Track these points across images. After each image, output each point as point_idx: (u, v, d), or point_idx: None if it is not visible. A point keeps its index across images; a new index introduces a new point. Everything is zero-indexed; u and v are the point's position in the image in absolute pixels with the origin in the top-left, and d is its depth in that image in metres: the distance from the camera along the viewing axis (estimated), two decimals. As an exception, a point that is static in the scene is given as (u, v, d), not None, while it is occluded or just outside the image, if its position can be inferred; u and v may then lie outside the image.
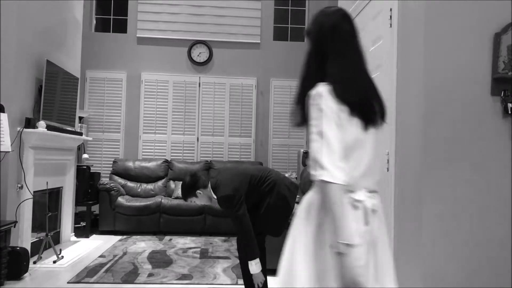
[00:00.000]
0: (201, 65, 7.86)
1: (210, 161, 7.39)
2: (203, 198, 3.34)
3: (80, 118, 6.94)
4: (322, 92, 1.55)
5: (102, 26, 8.04)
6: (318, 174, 1.49)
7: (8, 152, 4.03)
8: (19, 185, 4.44)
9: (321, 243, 1.56)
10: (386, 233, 1.69)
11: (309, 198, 1.64)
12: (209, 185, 3.30)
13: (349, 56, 1.66)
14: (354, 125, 1.56)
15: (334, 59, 1.63)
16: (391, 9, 2.60)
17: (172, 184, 7.08)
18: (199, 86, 7.83)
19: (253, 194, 3.21)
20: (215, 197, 3.27)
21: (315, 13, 1.76)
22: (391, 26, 2.60)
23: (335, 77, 1.59)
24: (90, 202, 6.47)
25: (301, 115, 1.64)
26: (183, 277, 4.31)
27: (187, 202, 6.47)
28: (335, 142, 1.50)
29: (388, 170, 2.58)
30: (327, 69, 1.62)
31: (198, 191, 3.30)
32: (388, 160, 2.58)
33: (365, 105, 1.59)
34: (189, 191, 3.32)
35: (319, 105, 1.54)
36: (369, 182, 1.62)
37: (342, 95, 1.54)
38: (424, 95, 2.23)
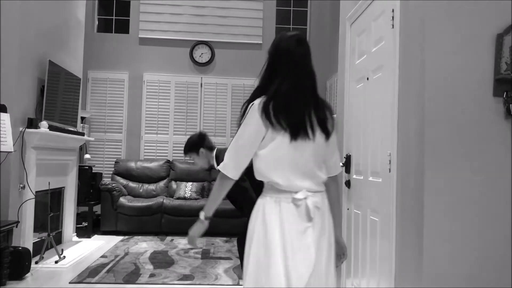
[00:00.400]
0: (203, 66, 7.87)
1: (212, 161, 7.39)
2: (203, 159, 3.41)
3: (82, 118, 6.96)
4: (255, 105, 1.83)
5: (104, 27, 8.05)
6: (220, 164, 1.88)
7: (11, 152, 4.04)
8: (21, 185, 4.45)
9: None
10: (331, 228, 1.92)
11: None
12: (214, 152, 3.39)
13: (295, 77, 1.87)
14: (281, 137, 1.81)
15: (280, 78, 1.86)
16: (393, 10, 2.60)
17: (174, 185, 7.09)
18: (201, 86, 7.83)
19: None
20: (216, 165, 3.32)
21: (276, 36, 2.02)
22: (393, 27, 2.60)
23: (271, 94, 1.83)
24: (92, 202, 6.48)
25: (241, 116, 1.91)
26: (185, 277, 4.31)
27: (188, 203, 6.53)
28: (239, 146, 1.85)
29: (390, 171, 2.57)
30: (271, 86, 1.86)
31: (202, 149, 3.38)
32: (390, 161, 2.58)
33: (294, 121, 1.82)
34: (193, 146, 3.40)
35: (248, 114, 1.85)
36: (309, 184, 1.85)
37: (269, 110, 1.80)
38: (426, 96, 2.23)
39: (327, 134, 1.89)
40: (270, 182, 1.87)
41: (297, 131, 1.82)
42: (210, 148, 3.44)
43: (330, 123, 1.92)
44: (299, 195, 1.83)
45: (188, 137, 3.54)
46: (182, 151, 3.55)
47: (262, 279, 1.80)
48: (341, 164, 3.41)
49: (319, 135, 1.87)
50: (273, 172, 1.85)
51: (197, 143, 3.44)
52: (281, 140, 1.81)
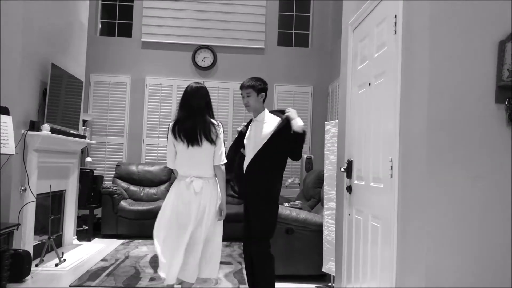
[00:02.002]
0: (205, 70, 7.89)
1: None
2: (257, 102, 3.47)
3: (84, 121, 6.97)
4: (169, 127, 3.37)
5: (107, 30, 8.08)
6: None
7: (12, 154, 4.05)
8: (22, 188, 4.45)
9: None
10: (213, 199, 3.31)
11: None
12: (265, 109, 3.51)
13: (188, 110, 3.31)
14: (180, 145, 3.28)
15: (180, 111, 3.36)
16: (395, 16, 2.60)
17: (174, 188, 7.09)
18: (203, 90, 7.83)
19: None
20: (266, 118, 3.45)
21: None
22: (395, 33, 2.60)
23: (176, 121, 3.34)
24: (93, 205, 6.48)
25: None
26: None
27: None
28: (168, 152, 3.40)
29: (391, 177, 2.57)
30: (177, 115, 3.37)
31: (263, 93, 3.47)
32: (391, 167, 2.57)
33: (186, 135, 3.25)
34: (260, 85, 3.46)
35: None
36: (196, 172, 3.28)
37: (172, 130, 3.32)
38: (428, 102, 2.23)
39: (211, 141, 3.27)
40: (178, 171, 3.35)
41: (191, 142, 3.25)
42: (264, 98, 3.50)
43: (214, 134, 3.30)
44: (187, 179, 3.26)
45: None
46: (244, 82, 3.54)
47: (158, 226, 3.31)
48: (342, 169, 3.40)
49: (205, 143, 3.26)
50: (178, 166, 3.35)
51: (263, 87, 3.48)
52: (181, 147, 3.28)
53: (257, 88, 3.43)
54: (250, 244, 3.40)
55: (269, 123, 3.41)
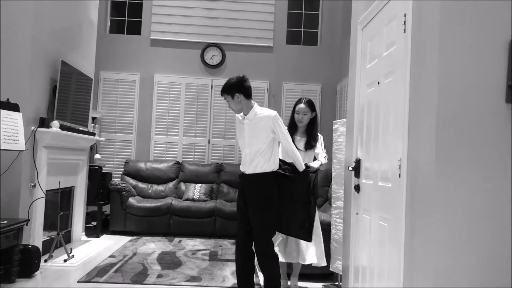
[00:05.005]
0: (213, 68, 7.89)
1: (221, 163, 7.41)
2: (237, 104, 3.37)
3: (93, 118, 7.01)
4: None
5: (117, 28, 8.11)
6: None
7: (22, 151, 4.08)
8: (32, 184, 4.49)
9: None
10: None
11: None
12: (254, 103, 3.42)
13: None
14: None
15: None
16: (405, 15, 2.59)
17: (183, 186, 7.11)
18: (212, 88, 7.85)
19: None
20: (258, 113, 3.39)
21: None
22: (405, 32, 2.59)
23: None
24: (102, 202, 6.52)
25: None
26: (192, 279, 4.32)
27: (197, 204, 6.55)
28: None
29: (400, 176, 2.56)
30: None
31: (238, 94, 3.32)
32: (399, 166, 2.56)
33: None
34: (229, 88, 3.35)
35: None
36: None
37: None
38: (437, 101, 2.22)
39: None
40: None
41: None
42: (248, 95, 3.36)
43: None
44: None
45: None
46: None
47: None
48: (350, 168, 3.39)
49: None
50: None
51: (234, 87, 3.32)
52: None
53: (229, 91, 3.35)
54: (246, 245, 3.38)
55: (262, 119, 3.37)
